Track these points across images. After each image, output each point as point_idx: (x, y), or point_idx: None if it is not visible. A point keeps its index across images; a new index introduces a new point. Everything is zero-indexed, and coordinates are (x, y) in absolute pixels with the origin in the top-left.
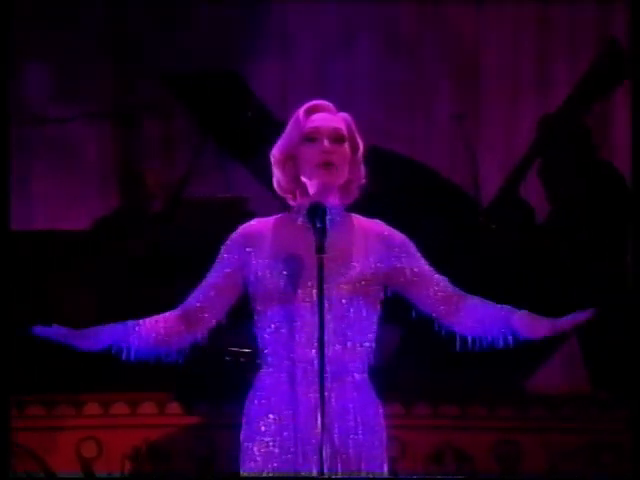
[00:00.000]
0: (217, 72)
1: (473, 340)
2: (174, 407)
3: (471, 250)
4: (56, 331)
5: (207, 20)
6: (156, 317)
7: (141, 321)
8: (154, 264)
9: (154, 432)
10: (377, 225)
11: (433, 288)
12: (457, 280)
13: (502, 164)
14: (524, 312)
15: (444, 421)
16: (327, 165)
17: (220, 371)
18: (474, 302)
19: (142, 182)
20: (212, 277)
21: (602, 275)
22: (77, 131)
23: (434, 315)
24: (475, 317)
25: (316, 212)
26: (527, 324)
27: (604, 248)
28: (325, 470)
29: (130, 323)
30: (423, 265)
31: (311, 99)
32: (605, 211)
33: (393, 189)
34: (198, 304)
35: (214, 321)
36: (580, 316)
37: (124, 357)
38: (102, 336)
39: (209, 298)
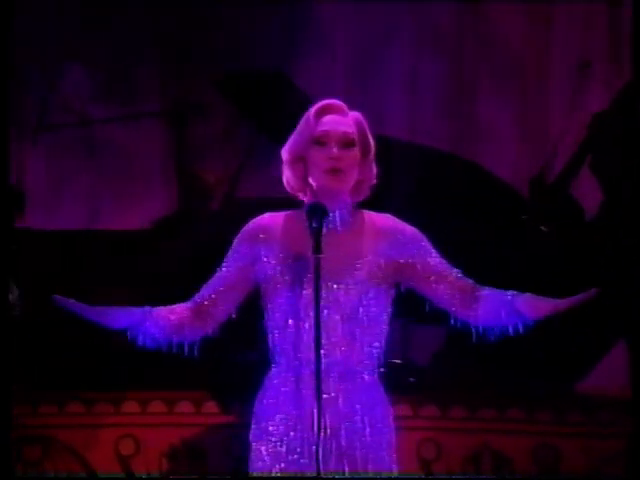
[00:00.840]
0: (265, 72)
1: (485, 330)
2: (211, 406)
3: (515, 248)
4: (74, 304)
5: (250, 20)
6: (171, 307)
7: (157, 308)
8: (206, 263)
9: (191, 431)
10: (387, 220)
11: (448, 282)
12: (497, 278)
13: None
14: (528, 294)
15: (481, 424)
16: (335, 171)
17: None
18: (485, 292)
19: (198, 182)
20: (223, 271)
21: None
22: (131, 131)
23: (450, 309)
24: (486, 306)
25: (314, 212)
26: (530, 304)
27: None
28: (324, 470)
29: (147, 308)
30: (436, 258)
31: (349, 97)
32: None
33: (436, 185)
34: (208, 298)
35: (224, 315)
36: (581, 296)
37: (140, 342)
38: (119, 317)
39: (219, 292)
